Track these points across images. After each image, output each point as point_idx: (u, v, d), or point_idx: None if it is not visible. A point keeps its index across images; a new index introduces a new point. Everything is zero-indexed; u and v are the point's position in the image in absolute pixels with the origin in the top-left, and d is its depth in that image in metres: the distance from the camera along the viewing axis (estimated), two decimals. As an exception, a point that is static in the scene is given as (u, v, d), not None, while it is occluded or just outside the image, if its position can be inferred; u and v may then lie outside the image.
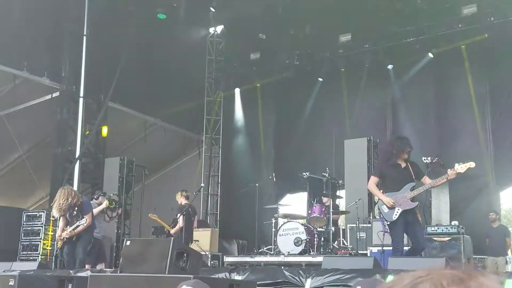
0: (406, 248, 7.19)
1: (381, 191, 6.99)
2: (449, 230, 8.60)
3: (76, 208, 8.18)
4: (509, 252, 10.75)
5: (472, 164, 6.53)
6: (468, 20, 11.81)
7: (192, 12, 13.70)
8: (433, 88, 13.16)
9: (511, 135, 12.02)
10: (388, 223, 6.87)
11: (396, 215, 6.74)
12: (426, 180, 6.80)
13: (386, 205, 6.79)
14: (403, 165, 6.90)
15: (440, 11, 12.23)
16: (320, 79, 14.27)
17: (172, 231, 9.94)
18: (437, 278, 0.73)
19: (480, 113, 12.34)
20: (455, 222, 9.29)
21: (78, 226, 8.08)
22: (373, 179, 7.08)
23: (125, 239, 5.71)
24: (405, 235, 7.14)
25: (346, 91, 14.03)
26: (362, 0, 12.36)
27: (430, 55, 12.81)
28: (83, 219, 8.07)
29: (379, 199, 7.02)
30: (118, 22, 12.65)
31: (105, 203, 9.73)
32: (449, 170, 6.55)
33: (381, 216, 6.95)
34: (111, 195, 10.19)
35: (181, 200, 9.97)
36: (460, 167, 6.53)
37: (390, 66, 13.19)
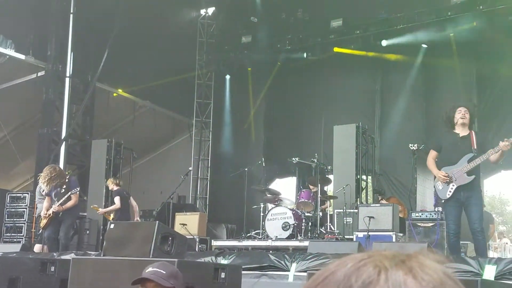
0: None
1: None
2: (432, 216, 8.62)
3: (64, 187, 8.18)
4: (491, 238, 10.85)
5: None
6: (457, 7, 11.81)
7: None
8: (422, 75, 13.18)
9: (496, 125, 12.08)
10: (443, 201, 6.18)
11: (450, 192, 6.00)
12: (490, 151, 5.86)
13: (441, 181, 6.05)
14: (463, 134, 6.08)
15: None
16: (311, 64, 14.19)
17: (105, 211, 10.37)
18: (379, 260, 0.73)
19: (467, 100, 12.35)
20: (439, 208, 9.32)
21: (66, 202, 8.10)
22: (430, 154, 6.32)
23: (109, 222, 5.68)
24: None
25: (336, 77, 14.00)
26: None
27: (423, 45, 12.78)
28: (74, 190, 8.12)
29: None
30: (106, 0, 12.45)
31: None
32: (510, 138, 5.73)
33: (435, 194, 6.33)
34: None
35: (112, 186, 10.38)
36: (505, 145, 5.75)
37: (384, 42, 13.01)
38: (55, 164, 8.76)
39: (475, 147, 5.97)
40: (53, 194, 8.34)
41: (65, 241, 8.20)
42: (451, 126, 6.13)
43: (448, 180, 5.97)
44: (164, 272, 3.17)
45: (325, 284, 0.74)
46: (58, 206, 8.14)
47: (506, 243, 14.90)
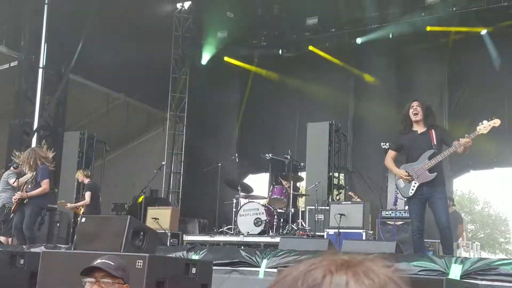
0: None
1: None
2: (402, 215, 8.78)
3: (33, 173, 8.02)
4: (460, 238, 11.05)
5: (497, 122, 5.75)
6: (431, 9, 12.00)
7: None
8: (395, 74, 13.36)
9: (466, 125, 12.30)
10: (406, 199, 6.18)
11: (412, 190, 5.94)
12: (455, 144, 5.79)
13: (403, 180, 5.98)
14: (421, 130, 6.05)
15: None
16: (286, 61, 14.26)
17: (73, 206, 10.51)
18: (328, 265, 0.78)
19: (438, 101, 12.59)
20: (408, 207, 9.49)
21: (32, 189, 7.92)
22: (389, 154, 6.30)
23: (80, 216, 5.66)
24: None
25: (311, 74, 14.10)
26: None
27: (396, 44, 12.93)
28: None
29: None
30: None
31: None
32: (470, 134, 5.70)
33: (397, 192, 6.32)
34: None
35: (82, 178, 10.40)
36: (484, 127, 5.73)
37: (358, 40, 13.16)
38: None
39: (435, 143, 5.93)
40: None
41: (27, 232, 7.87)
42: (409, 124, 6.08)
43: (410, 179, 5.94)
44: (113, 264, 3.24)
45: (277, 287, 0.79)
46: (22, 192, 7.94)
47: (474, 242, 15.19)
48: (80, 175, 10.52)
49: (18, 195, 7.94)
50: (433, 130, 6.02)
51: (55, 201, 11.52)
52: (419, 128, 6.07)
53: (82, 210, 10.20)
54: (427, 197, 5.97)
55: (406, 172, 5.96)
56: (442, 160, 5.95)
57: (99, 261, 3.25)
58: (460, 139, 5.71)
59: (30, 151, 8.18)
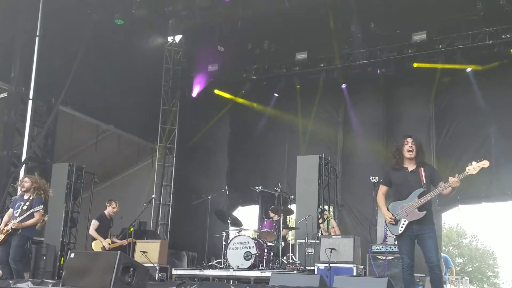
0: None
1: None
2: (393, 249, 8.74)
3: (27, 203, 7.88)
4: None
5: (486, 163, 5.75)
6: (418, 46, 12.25)
7: (151, 20, 13.58)
8: (384, 109, 13.54)
9: (454, 159, 12.43)
10: (394, 236, 6.12)
11: (402, 228, 5.94)
12: (441, 185, 5.83)
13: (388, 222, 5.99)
14: (411, 168, 6.06)
15: (392, 36, 12.65)
16: (276, 95, 14.41)
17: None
18: None
19: (425, 137, 12.71)
20: (397, 243, 9.47)
21: (27, 219, 7.74)
22: (380, 189, 6.26)
23: (69, 251, 5.58)
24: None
25: (300, 108, 14.23)
26: (319, 21, 12.60)
27: (384, 80, 13.15)
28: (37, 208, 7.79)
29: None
30: (73, 24, 12.39)
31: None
32: (459, 174, 5.72)
33: (386, 228, 6.19)
34: None
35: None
36: (473, 168, 5.74)
37: (343, 85, 13.48)
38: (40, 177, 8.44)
39: (424, 182, 5.94)
40: (14, 208, 7.98)
41: (15, 264, 7.63)
42: (401, 160, 6.09)
43: (393, 223, 5.96)
44: None
45: None
46: (18, 222, 7.76)
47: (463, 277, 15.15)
48: (117, 207, 10.43)
49: (13, 225, 7.73)
50: (422, 168, 6.05)
51: (42, 234, 11.37)
52: (410, 166, 6.10)
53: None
54: (417, 235, 5.97)
55: (392, 215, 5.98)
56: (431, 199, 5.96)
57: None
58: (450, 178, 5.75)
59: (43, 181, 8.21)
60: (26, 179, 8.17)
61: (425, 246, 5.92)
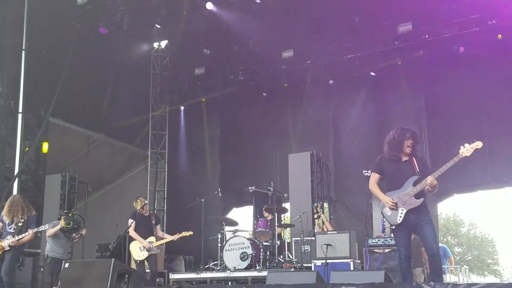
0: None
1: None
2: (389, 242, 8.77)
3: (22, 221, 7.91)
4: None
5: (479, 144, 5.78)
6: (404, 37, 12.25)
7: (136, 27, 13.58)
8: (373, 102, 13.53)
9: (446, 150, 12.43)
10: (393, 227, 6.07)
11: (400, 217, 5.92)
12: (428, 178, 5.83)
13: (388, 207, 5.97)
14: (405, 158, 6.09)
15: (378, 29, 12.63)
16: (264, 94, 14.43)
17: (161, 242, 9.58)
18: None
19: (417, 126, 12.71)
20: (394, 235, 9.50)
21: (22, 237, 7.78)
22: (373, 177, 6.23)
23: (63, 261, 5.60)
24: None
25: (290, 106, 14.26)
26: (303, 18, 12.60)
27: (372, 73, 13.18)
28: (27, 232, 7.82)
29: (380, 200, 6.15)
30: (59, 35, 12.39)
31: (60, 223, 9.38)
32: (454, 157, 5.73)
33: (383, 220, 6.15)
34: (70, 214, 9.54)
35: (146, 207, 9.43)
36: (466, 150, 5.77)
37: (331, 81, 13.51)
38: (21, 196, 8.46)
39: (418, 170, 5.95)
40: (8, 227, 7.98)
41: (7, 278, 7.65)
42: (399, 152, 6.07)
43: (394, 207, 5.93)
44: None
45: None
46: (16, 240, 7.85)
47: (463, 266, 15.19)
48: (144, 203, 9.32)
49: (12, 243, 7.80)
50: (414, 159, 6.08)
51: (38, 245, 11.37)
52: (404, 157, 6.12)
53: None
54: (413, 225, 5.95)
55: (393, 199, 5.94)
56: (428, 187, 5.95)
57: None
58: (428, 177, 5.78)
59: (21, 198, 8.17)
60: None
61: (424, 234, 5.91)
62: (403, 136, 6.07)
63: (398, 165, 6.05)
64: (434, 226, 6.22)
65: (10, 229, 7.97)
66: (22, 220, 7.91)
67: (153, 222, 9.28)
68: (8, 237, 7.91)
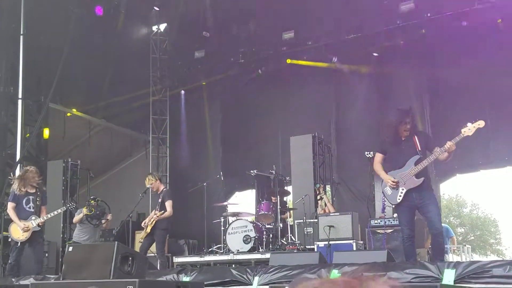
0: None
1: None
2: (391, 223, 8.78)
3: (38, 194, 8.04)
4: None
5: (481, 124, 5.80)
6: (406, 16, 12.12)
7: (134, 10, 13.48)
8: (375, 83, 13.45)
9: (449, 129, 12.34)
10: (394, 206, 6.18)
11: (400, 196, 5.95)
12: (437, 149, 5.87)
13: (389, 186, 6.00)
14: (406, 137, 6.11)
15: (379, 8, 12.51)
16: (265, 76, 14.34)
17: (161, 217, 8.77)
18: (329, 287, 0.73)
19: (419, 106, 12.69)
20: (397, 215, 9.52)
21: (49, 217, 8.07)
22: (376, 157, 6.32)
23: (67, 245, 5.60)
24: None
25: (291, 88, 14.18)
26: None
27: (374, 54, 13.08)
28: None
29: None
30: (56, 20, 12.30)
31: (83, 211, 9.43)
32: (456, 137, 5.77)
33: (384, 199, 6.26)
34: (91, 201, 9.57)
35: (157, 185, 9.00)
36: (468, 129, 5.79)
37: (335, 59, 13.31)
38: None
39: (420, 149, 5.95)
40: (23, 202, 8.01)
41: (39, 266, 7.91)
42: (396, 135, 6.12)
43: (395, 186, 5.94)
44: None
45: None
46: (42, 220, 7.93)
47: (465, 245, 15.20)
48: (152, 181, 8.89)
49: (40, 222, 7.89)
50: (416, 136, 6.07)
51: (43, 231, 11.40)
52: (403, 135, 6.13)
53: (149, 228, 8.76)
54: (417, 204, 5.96)
55: (394, 178, 5.96)
56: (427, 166, 5.99)
57: None
58: (448, 142, 5.77)
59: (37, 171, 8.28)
60: (37, 175, 8.29)
61: (427, 214, 5.94)
62: (398, 121, 6.08)
63: (399, 146, 6.08)
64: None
65: (29, 208, 7.98)
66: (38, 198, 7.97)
67: (159, 200, 9.03)
68: (33, 217, 7.93)
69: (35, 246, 8.03)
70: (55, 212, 8.41)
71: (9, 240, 7.90)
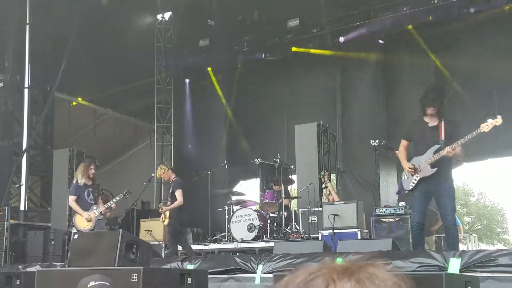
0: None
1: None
2: (396, 211, 8.75)
3: (95, 185, 8.44)
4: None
5: (499, 121, 5.70)
6: (412, 2, 12.02)
7: (139, -1, 13.45)
8: (381, 71, 13.38)
9: (457, 115, 12.23)
10: (406, 191, 6.14)
11: (413, 183, 5.95)
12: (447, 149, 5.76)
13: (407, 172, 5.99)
14: (432, 123, 5.96)
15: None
16: (270, 64, 14.29)
17: (172, 207, 8.85)
18: (328, 273, 0.74)
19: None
20: (402, 203, 9.51)
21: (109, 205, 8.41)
22: (401, 143, 6.24)
23: (73, 233, 5.65)
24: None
25: (296, 76, 14.14)
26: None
27: (380, 41, 12.99)
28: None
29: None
30: (62, 9, 12.30)
31: None
32: (473, 132, 5.70)
33: (399, 183, 6.22)
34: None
35: (168, 174, 9.03)
36: (486, 126, 5.68)
37: (341, 39, 13.19)
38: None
39: (443, 138, 5.85)
40: (85, 194, 8.35)
41: None
42: (422, 113, 6.07)
43: (412, 172, 5.93)
44: (109, 284, 3.24)
45: None
46: (104, 208, 8.32)
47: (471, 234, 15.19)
48: (164, 170, 8.93)
49: (103, 210, 8.36)
50: (443, 124, 5.96)
51: (49, 219, 11.49)
52: (431, 121, 6.02)
53: (166, 217, 8.83)
54: (432, 193, 5.96)
55: (412, 165, 5.94)
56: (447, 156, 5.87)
57: (95, 283, 3.23)
58: (446, 148, 5.76)
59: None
60: (93, 166, 8.71)
61: (440, 204, 5.96)
62: (425, 101, 5.98)
63: (423, 131, 6.00)
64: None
65: (90, 199, 8.34)
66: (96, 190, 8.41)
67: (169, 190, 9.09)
68: (94, 207, 8.26)
69: None
70: (114, 200, 8.64)
71: (73, 231, 8.10)
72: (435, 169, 5.85)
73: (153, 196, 14.31)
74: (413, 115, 12.23)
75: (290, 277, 0.76)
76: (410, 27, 12.36)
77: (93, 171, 8.51)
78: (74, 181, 8.54)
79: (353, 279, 0.73)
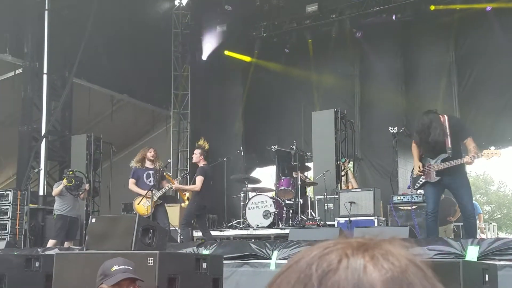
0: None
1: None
2: (414, 199, 8.68)
3: (157, 169, 8.56)
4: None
5: (499, 153, 6.07)
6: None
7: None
8: (401, 57, 13.22)
9: (477, 104, 12.11)
10: (415, 186, 6.39)
11: (418, 185, 6.29)
12: (469, 143, 6.01)
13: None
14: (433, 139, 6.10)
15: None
16: (287, 50, 14.19)
17: (185, 188, 9.42)
18: (343, 248, 0.73)
19: (447, 82, 12.46)
20: (420, 191, 9.43)
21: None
22: (413, 142, 6.48)
23: (90, 217, 5.71)
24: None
25: (314, 63, 14.02)
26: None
27: (400, 27, 12.77)
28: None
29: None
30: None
31: (63, 182, 9.59)
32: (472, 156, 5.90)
33: (410, 179, 6.48)
34: (69, 172, 9.86)
35: (199, 158, 8.84)
36: (487, 154, 5.99)
37: (358, 34, 13.09)
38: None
39: (450, 147, 6.02)
40: (144, 177, 8.50)
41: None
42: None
43: (421, 174, 6.16)
44: (131, 268, 3.25)
45: (289, 273, 0.73)
46: (161, 193, 8.46)
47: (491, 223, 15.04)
48: (196, 155, 8.86)
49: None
50: (447, 118, 6.12)
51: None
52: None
53: (187, 195, 9.06)
54: (448, 186, 6.16)
55: (420, 168, 6.15)
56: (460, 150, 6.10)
57: (119, 267, 3.25)
58: (466, 156, 5.95)
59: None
60: (152, 149, 8.77)
61: (458, 195, 6.16)
62: (420, 126, 6.23)
63: (429, 143, 6.15)
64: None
65: (149, 182, 8.45)
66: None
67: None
68: (153, 191, 8.33)
69: (159, 217, 8.33)
70: (168, 186, 8.73)
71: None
72: (438, 178, 6.05)
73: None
74: (432, 102, 12.24)
75: (306, 250, 0.75)
76: (432, 7, 12.11)
77: (152, 153, 8.61)
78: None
79: (367, 255, 0.71)
